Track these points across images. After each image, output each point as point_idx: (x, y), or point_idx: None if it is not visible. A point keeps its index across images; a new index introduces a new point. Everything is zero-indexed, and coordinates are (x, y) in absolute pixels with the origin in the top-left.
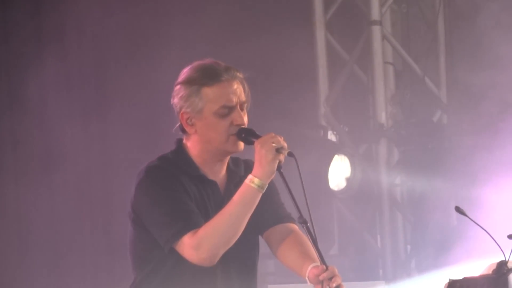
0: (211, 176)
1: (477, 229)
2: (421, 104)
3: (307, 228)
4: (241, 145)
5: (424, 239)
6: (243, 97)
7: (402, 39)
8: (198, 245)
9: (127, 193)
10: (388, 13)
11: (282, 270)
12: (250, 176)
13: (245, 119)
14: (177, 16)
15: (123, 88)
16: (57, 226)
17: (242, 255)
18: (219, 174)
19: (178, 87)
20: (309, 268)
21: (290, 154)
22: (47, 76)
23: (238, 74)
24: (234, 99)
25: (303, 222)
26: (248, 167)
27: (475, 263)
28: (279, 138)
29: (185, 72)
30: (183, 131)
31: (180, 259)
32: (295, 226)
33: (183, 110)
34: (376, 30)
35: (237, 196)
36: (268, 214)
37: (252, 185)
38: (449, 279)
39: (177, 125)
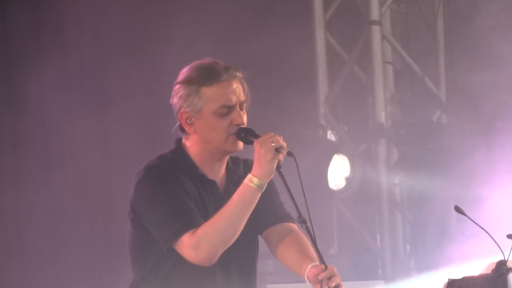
0: (210, 176)
1: (476, 229)
2: (420, 104)
3: (306, 228)
4: (240, 144)
5: (424, 238)
6: (242, 97)
7: (402, 39)
8: (197, 245)
9: (127, 193)
10: (388, 13)
11: (281, 269)
12: (249, 176)
13: (245, 118)
14: (177, 15)
15: (123, 88)
16: (57, 226)
17: (241, 254)
18: (218, 173)
19: (177, 86)
20: (308, 267)
21: (289, 154)
22: (46, 76)
23: (237, 73)
24: (234, 99)
25: (302, 221)
26: (247, 166)
27: (474, 262)
28: (278, 138)
29: (184, 72)
30: (183, 130)
31: (180, 259)
32: (294, 226)
33: (182, 109)
34: (376, 30)
35: (236, 196)
36: (267, 214)
37: (251, 184)
38: (449, 279)
39: (177, 124)
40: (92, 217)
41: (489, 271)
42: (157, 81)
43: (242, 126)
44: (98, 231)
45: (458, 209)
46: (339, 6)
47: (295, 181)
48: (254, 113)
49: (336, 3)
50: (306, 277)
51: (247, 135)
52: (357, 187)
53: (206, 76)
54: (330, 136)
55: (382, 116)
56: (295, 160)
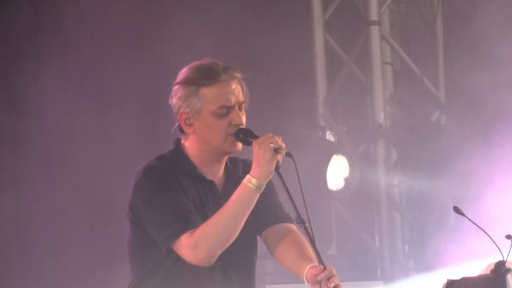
0: (209, 176)
1: (475, 229)
2: (419, 104)
3: (305, 228)
4: (239, 145)
5: (422, 239)
6: (241, 97)
7: (401, 39)
8: (196, 245)
9: (127, 193)
10: (387, 13)
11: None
12: (248, 176)
13: (244, 119)
14: (177, 15)
15: (123, 88)
16: (57, 226)
17: (240, 255)
18: (217, 174)
19: (176, 87)
20: (307, 268)
21: (288, 154)
22: (46, 76)
23: (236, 74)
24: (233, 99)
25: (301, 222)
26: (246, 167)
27: (473, 263)
28: (277, 138)
29: (183, 72)
30: (182, 131)
31: (178, 259)
32: (293, 226)
33: (181, 110)
34: (375, 30)
35: (235, 196)
36: (266, 214)
37: (250, 185)
38: (447, 279)
39: (176, 125)
40: (92, 217)
41: (488, 272)
42: (157, 81)
43: (241, 127)
44: (98, 231)
45: (457, 210)
46: (338, 6)
47: (294, 181)
48: (253, 114)
49: (335, 3)
50: (304, 278)
51: (246, 135)
52: (356, 188)
53: (205, 76)
54: (329, 136)
55: (381, 117)
56: (294, 161)
